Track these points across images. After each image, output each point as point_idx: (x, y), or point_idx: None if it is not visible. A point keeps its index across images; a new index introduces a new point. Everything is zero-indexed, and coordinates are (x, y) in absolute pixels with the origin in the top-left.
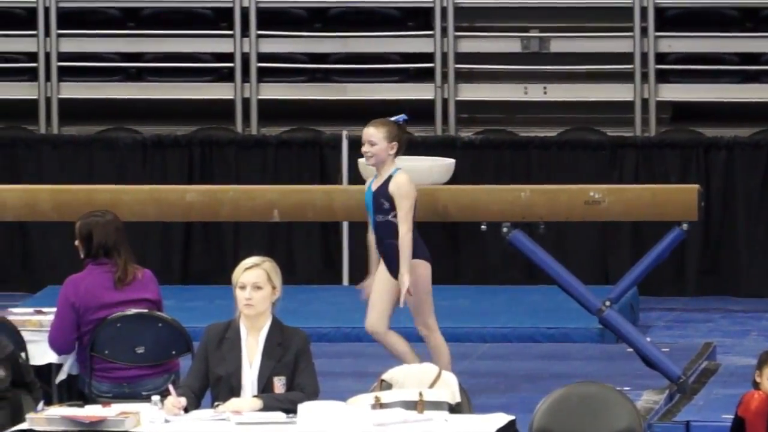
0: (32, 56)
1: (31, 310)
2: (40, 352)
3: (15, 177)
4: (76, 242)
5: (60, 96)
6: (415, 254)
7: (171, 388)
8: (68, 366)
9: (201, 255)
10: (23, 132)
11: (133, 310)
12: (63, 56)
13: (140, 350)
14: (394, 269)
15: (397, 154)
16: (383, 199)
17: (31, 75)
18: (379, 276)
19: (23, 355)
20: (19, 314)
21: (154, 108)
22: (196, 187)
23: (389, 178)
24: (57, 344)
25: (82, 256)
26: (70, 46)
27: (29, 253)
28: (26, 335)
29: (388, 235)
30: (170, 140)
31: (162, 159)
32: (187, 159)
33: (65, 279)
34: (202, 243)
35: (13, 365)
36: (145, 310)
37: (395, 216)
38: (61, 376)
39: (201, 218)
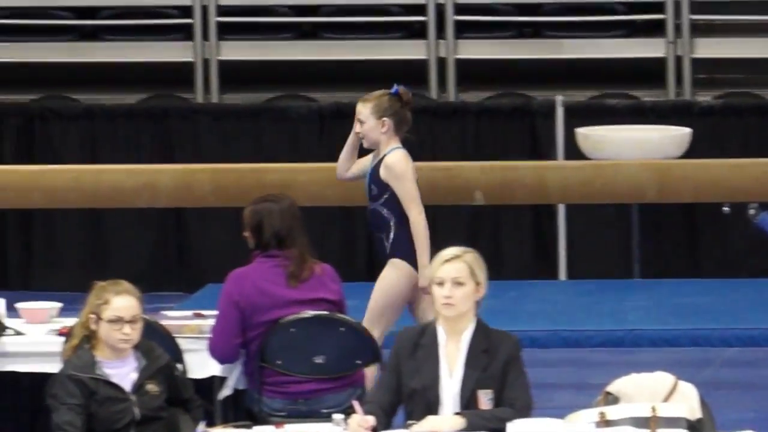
0: (186, 11)
1: (189, 313)
2: (200, 364)
3: (167, 154)
4: (245, 232)
5: (220, 58)
6: (404, 253)
7: (356, 404)
8: (234, 380)
9: None
10: (177, 101)
11: (310, 312)
12: (223, 10)
13: (319, 360)
14: (383, 267)
15: (397, 131)
16: (372, 184)
17: (185, 33)
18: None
19: (180, 366)
20: (174, 318)
21: (332, 71)
22: None
23: (381, 159)
24: (219, 351)
25: (251, 247)
26: None
27: (186, 245)
28: (183, 343)
29: (375, 226)
30: (351, 109)
31: (342, 131)
32: None
33: (228, 275)
34: None
35: (168, 379)
36: (325, 312)
37: (384, 203)
38: (226, 391)
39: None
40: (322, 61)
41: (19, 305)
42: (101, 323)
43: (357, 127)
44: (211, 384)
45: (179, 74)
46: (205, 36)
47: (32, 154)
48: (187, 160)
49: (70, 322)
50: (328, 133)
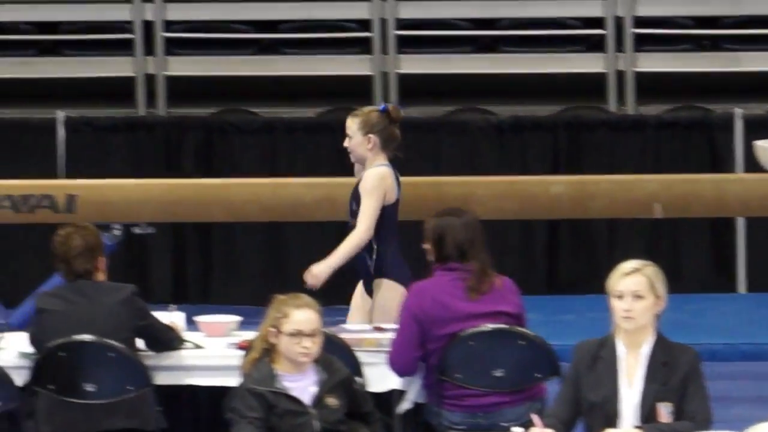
0: (365, 24)
1: (368, 326)
2: (380, 377)
3: (347, 168)
4: (425, 245)
5: (398, 71)
6: (398, 276)
7: (535, 418)
8: (413, 393)
9: (569, 259)
10: None
11: (489, 326)
12: (402, 23)
13: (498, 373)
14: (368, 287)
15: (384, 148)
16: (352, 200)
17: (364, 47)
18: (354, 296)
19: (359, 380)
20: (354, 332)
21: (511, 84)
22: (562, 178)
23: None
24: (398, 364)
25: (431, 260)
26: (410, 11)
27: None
28: (362, 357)
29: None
30: (530, 122)
31: (521, 144)
32: (550, 144)
33: (408, 288)
34: (570, 244)
35: (347, 392)
36: (505, 326)
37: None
38: (405, 405)
39: (568, 214)
40: (501, 75)
41: (199, 319)
42: (281, 337)
43: (345, 142)
44: (390, 397)
45: (359, 87)
46: (384, 50)
47: (211, 167)
48: None
49: (249, 335)
50: (507, 146)
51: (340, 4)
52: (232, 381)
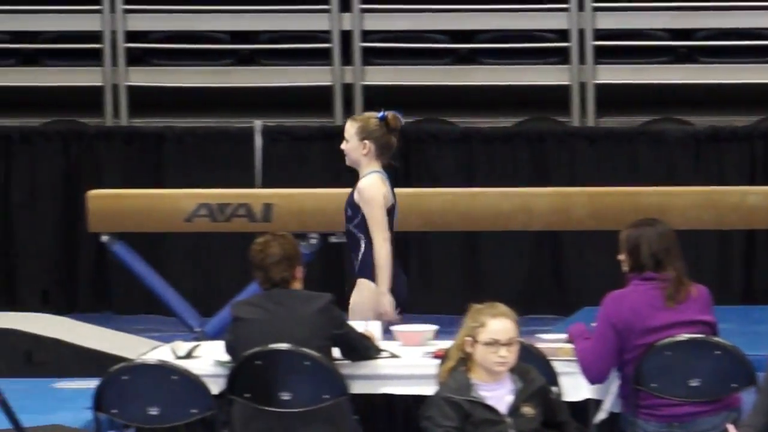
0: (563, 34)
1: (563, 336)
2: (575, 387)
3: (543, 177)
4: (620, 255)
5: (596, 81)
6: (369, 273)
7: (731, 428)
8: (609, 403)
9: (765, 269)
10: (553, 124)
11: (685, 336)
12: (600, 34)
13: (694, 383)
14: (351, 286)
15: (379, 156)
16: (347, 205)
17: (562, 56)
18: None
19: (555, 389)
20: (550, 341)
21: (708, 94)
22: (759, 189)
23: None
24: (592, 372)
25: (626, 270)
26: (607, 22)
27: (562, 269)
28: (558, 366)
29: (350, 246)
30: (727, 133)
31: (718, 155)
32: (747, 154)
33: (604, 298)
34: (766, 254)
35: (543, 401)
36: (701, 336)
37: (356, 225)
38: (601, 414)
39: (765, 225)
40: (698, 85)
41: (395, 328)
42: (477, 346)
43: (342, 144)
44: (586, 407)
45: (555, 97)
46: (582, 59)
47: (409, 177)
48: (563, 184)
49: (445, 344)
50: (703, 157)
51: (538, 14)
52: (428, 390)
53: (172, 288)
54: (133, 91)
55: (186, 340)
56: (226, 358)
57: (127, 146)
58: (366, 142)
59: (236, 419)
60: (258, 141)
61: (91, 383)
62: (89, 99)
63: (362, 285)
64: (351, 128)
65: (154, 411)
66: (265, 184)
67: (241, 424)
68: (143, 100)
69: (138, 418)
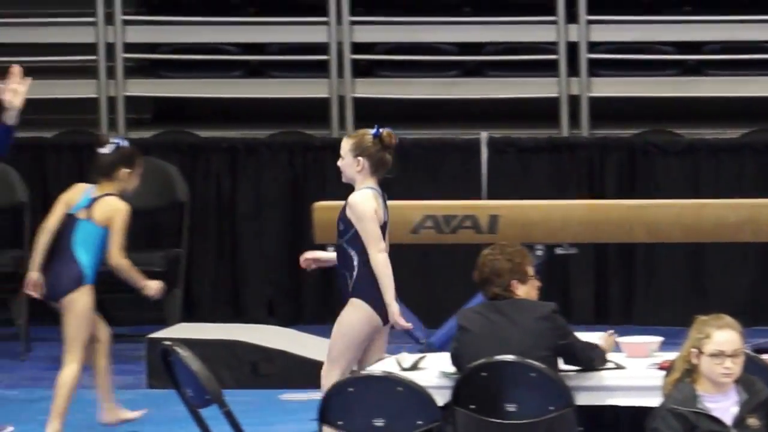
0: None
1: None
2: None
3: None
4: None
5: None
6: (365, 294)
7: None
8: None
9: None
10: None
11: None
12: None
13: None
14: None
15: (374, 172)
16: (340, 221)
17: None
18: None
19: None
20: None
21: None
22: None
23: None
24: None
25: None
26: None
27: None
28: None
29: (341, 263)
30: None
31: None
32: None
33: None
34: None
35: None
36: None
37: (348, 241)
38: None
39: None
40: None
41: (621, 339)
42: (702, 357)
43: (339, 161)
44: None
45: None
46: None
47: (634, 188)
48: None
49: (671, 356)
50: None
51: (757, 25)
52: (654, 401)
53: (397, 299)
54: (358, 102)
55: (411, 351)
56: (452, 369)
57: None
58: (360, 159)
59: (461, 430)
60: (484, 152)
61: (317, 395)
62: (315, 110)
63: (354, 304)
64: (346, 145)
65: (379, 422)
66: (491, 196)
67: None
68: (369, 111)
69: (363, 430)
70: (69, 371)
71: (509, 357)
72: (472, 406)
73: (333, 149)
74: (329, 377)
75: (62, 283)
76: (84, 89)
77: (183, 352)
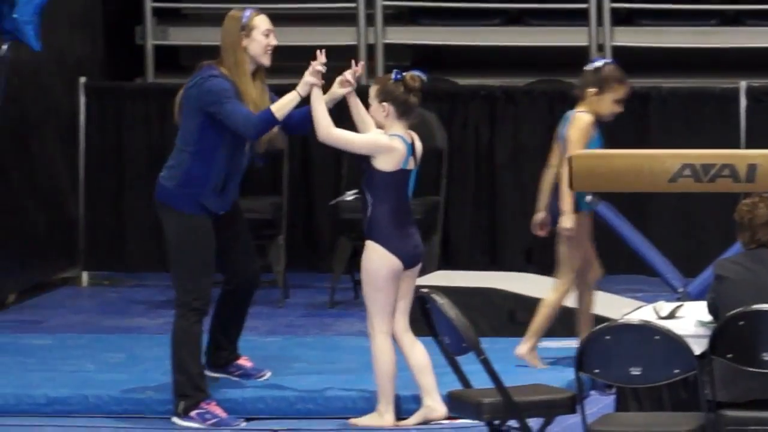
0: None
1: None
2: None
3: None
4: None
5: None
6: (384, 240)
7: None
8: None
9: None
10: None
11: None
12: None
13: None
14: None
15: (400, 117)
16: (363, 162)
17: None
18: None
19: None
20: None
21: None
22: None
23: None
24: None
25: None
26: None
27: None
28: None
29: (362, 205)
30: None
31: None
32: None
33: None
34: None
35: None
36: None
37: (365, 182)
38: None
39: None
40: None
41: None
42: None
43: (369, 109)
44: None
45: None
46: None
47: None
48: None
49: None
50: None
51: None
52: None
53: (655, 248)
54: (617, 51)
55: (669, 300)
56: (708, 318)
57: None
58: (385, 104)
59: (717, 379)
60: (743, 102)
61: (573, 343)
62: (574, 59)
63: (369, 246)
64: (372, 91)
65: (636, 371)
66: (749, 145)
67: (722, 385)
68: (628, 60)
69: (620, 378)
70: (556, 294)
71: (766, 306)
72: (729, 356)
73: None
74: (371, 331)
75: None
76: (343, 36)
77: (440, 300)
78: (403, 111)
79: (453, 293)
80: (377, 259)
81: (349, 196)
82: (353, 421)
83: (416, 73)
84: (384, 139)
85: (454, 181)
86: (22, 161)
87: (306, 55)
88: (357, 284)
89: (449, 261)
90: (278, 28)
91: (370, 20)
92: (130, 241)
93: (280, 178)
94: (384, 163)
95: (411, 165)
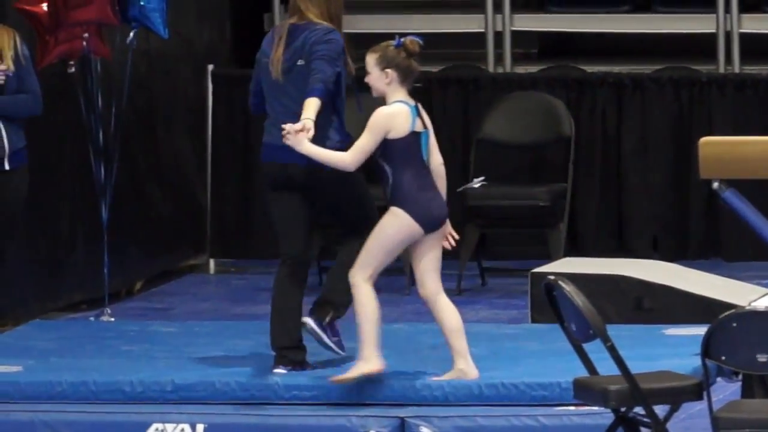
0: None
1: None
2: None
3: None
4: None
5: None
6: (400, 200)
7: None
8: None
9: None
10: None
11: None
12: None
13: None
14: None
15: (403, 83)
16: None
17: None
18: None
19: None
20: None
21: None
22: None
23: None
24: None
25: None
26: None
27: None
28: None
29: (379, 177)
30: None
31: None
32: None
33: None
34: None
35: None
36: None
37: (381, 155)
38: None
39: None
40: None
41: None
42: None
43: (366, 78)
44: None
45: None
46: None
47: None
48: None
49: None
50: None
51: None
52: None
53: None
54: (744, 38)
55: None
56: None
57: (738, 93)
58: (387, 71)
59: None
60: None
61: (700, 330)
62: (702, 46)
63: (393, 211)
64: (371, 60)
65: (763, 358)
66: None
67: None
68: (755, 47)
69: (746, 365)
70: None
71: None
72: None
73: (719, 84)
74: (356, 278)
75: None
76: (471, 24)
77: (567, 287)
78: (405, 76)
79: (579, 280)
80: (397, 224)
81: (476, 183)
82: (339, 378)
83: (414, 38)
84: (381, 114)
85: (580, 168)
86: (150, 149)
87: (434, 42)
88: (484, 271)
89: (576, 248)
90: (407, 16)
91: (498, 7)
92: (257, 228)
93: None
94: (393, 131)
95: (419, 127)
